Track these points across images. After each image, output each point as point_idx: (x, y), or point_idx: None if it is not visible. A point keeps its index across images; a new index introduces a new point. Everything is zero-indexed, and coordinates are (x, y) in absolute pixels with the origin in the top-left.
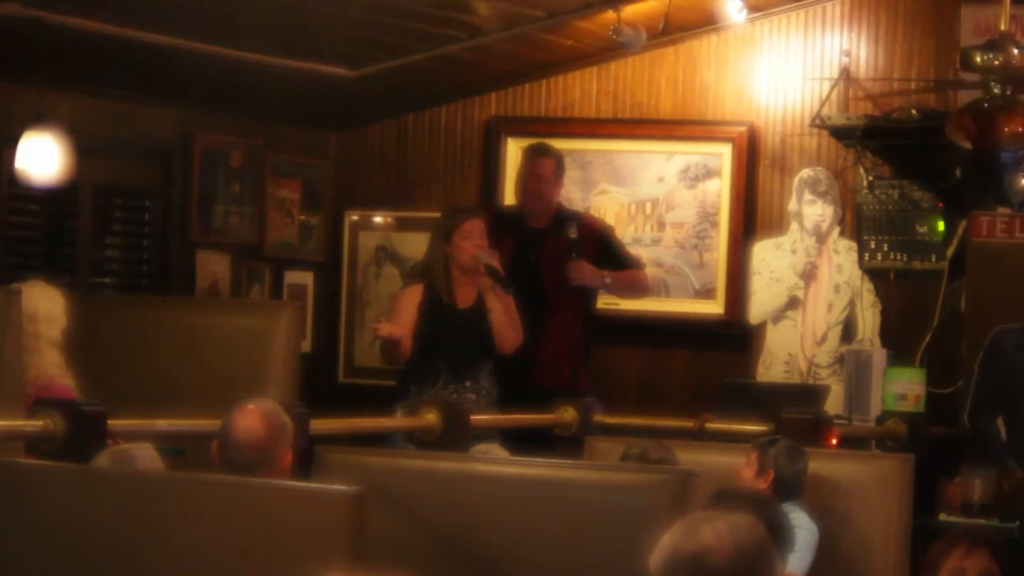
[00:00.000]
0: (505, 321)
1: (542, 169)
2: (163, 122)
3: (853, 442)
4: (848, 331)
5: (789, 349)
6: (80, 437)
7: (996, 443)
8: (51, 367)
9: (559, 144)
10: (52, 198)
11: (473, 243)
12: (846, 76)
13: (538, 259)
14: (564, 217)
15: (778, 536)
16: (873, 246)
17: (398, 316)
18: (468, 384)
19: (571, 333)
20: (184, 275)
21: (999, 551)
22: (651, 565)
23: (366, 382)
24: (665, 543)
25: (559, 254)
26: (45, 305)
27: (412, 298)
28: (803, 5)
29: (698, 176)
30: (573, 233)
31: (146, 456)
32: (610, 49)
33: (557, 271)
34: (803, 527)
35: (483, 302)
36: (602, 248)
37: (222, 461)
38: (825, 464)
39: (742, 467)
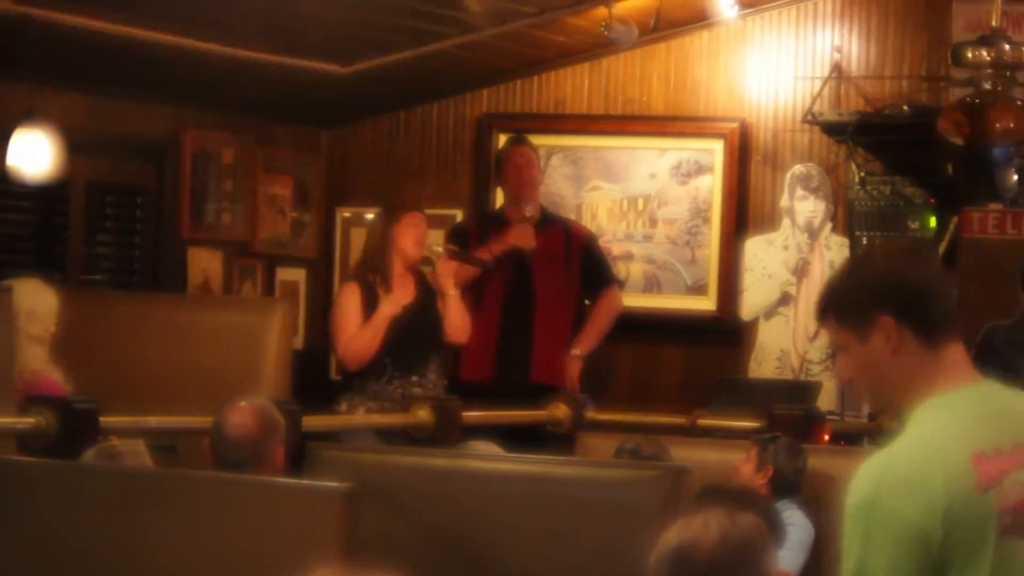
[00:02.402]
0: (457, 310)
1: (528, 154)
2: (155, 119)
3: (845, 438)
4: None
5: (781, 345)
6: (72, 434)
7: None
8: (34, 362)
9: (550, 141)
10: (44, 195)
11: (413, 236)
12: (838, 72)
13: (528, 256)
14: (550, 218)
15: (775, 527)
16: (865, 242)
17: (348, 320)
18: (414, 379)
19: (563, 328)
20: (176, 272)
21: None
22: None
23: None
24: (660, 538)
25: (549, 250)
26: (28, 302)
27: (353, 301)
28: (795, 1)
29: (690, 172)
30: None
31: (133, 452)
32: (601, 45)
33: (547, 265)
34: (798, 525)
35: (422, 297)
36: (586, 259)
37: (214, 458)
38: (817, 460)
39: (741, 462)
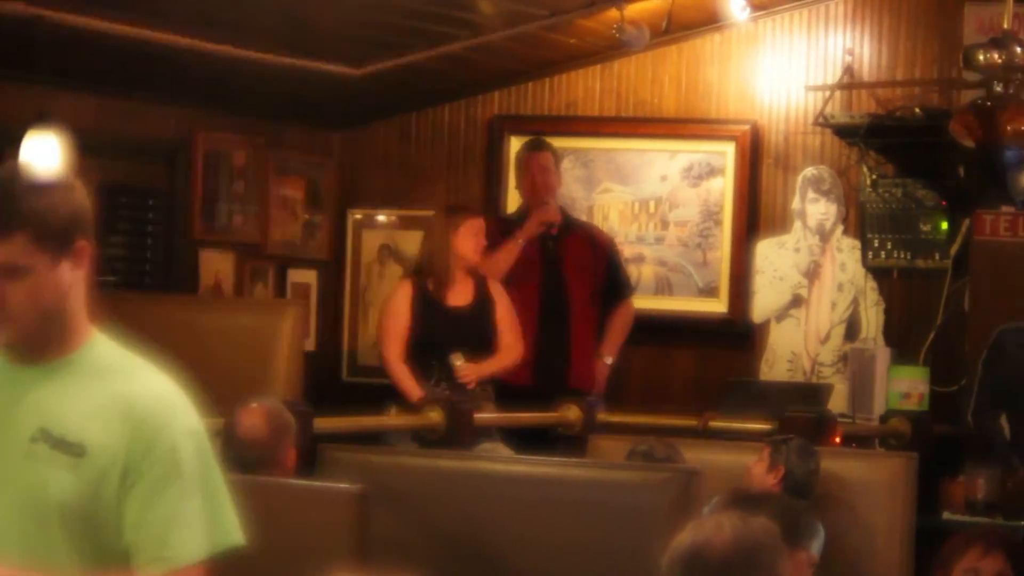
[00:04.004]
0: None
1: (545, 161)
2: (166, 121)
3: (857, 440)
4: (851, 329)
5: (793, 348)
6: None
7: (999, 442)
8: None
9: (562, 143)
10: None
11: (472, 243)
12: (849, 74)
13: (562, 256)
14: (573, 222)
15: (799, 530)
16: (876, 244)
17: (398, 322)
18: (458, 381)
19: (594, 333)
20: (187, 274)
21: (1014, 552)
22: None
23: (370, 380)
24: (674, 540)
25: (578, 256)
26: None
27: (404, 299)
28: (806, 4)
29: (701, 175)
30: None
31: None
32: (613, 47)
33: (578, 268)
34: None
35: (478, 302)
36: (609, 263)
37: (225, 459)
38: (829, 462)
39: (753, 463)
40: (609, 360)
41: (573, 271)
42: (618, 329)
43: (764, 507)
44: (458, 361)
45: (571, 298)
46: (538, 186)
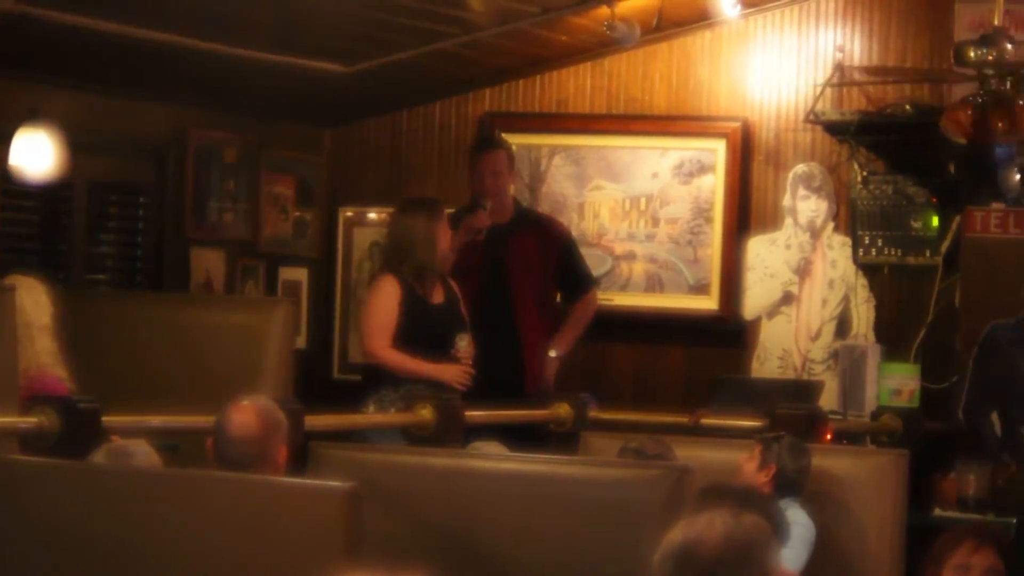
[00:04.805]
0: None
1: (495, 165)
2: (157, 118)
3: (848, 437)
4: (842, 326)
5: (783, 344)
6: (74, 433)
7: (991, 438)
8: (43, 355)
9: (553, 140)
10: (46, 195)
11: (448, 235)
12: (840, 71)
13: (504, 257)
14: (524, 217)
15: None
16: (867, 241)
17: (386, 316)
18: None
19: (541, 330)
20: (178, 272)
21: (1005, 548)
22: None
23: (360, 378)
24: (665, 537)
25: (525, 251)
26: (30, 295)
27: (393, 295)
28: (797, 1)
29: (692, 172)
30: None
31: (143, 452)
32: (604, 45)
33: (523, 268)
34: (801, 523)
35: (450, 298)
36: (563, 258)
37: (217, 457)
38: (820, 459)
39: (744, 460)
40: (554, 353)
41: (517, 272)
42: (574, 323)
43: (735, 503)
44: (463, 342)
45: (516, 300)
46: (488, 188)
